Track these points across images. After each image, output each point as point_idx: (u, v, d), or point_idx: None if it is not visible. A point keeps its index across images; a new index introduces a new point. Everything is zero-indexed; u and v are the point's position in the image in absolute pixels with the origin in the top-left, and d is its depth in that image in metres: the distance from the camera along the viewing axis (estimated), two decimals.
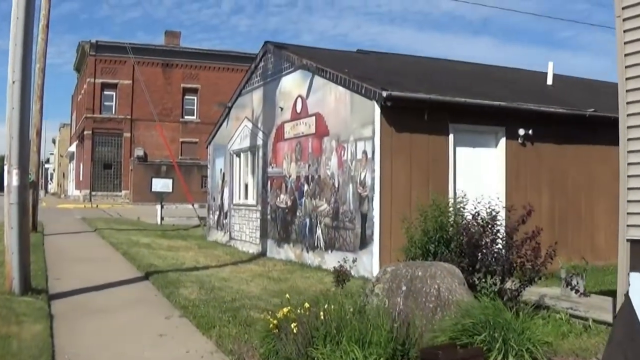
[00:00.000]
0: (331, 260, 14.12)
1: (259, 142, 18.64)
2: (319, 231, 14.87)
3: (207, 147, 24.90)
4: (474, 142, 13.95)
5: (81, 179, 61.65)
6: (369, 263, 12.75)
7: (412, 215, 12.74)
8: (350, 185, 13.57)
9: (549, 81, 19.02)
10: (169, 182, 33.87)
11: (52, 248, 18.28)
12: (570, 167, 15.10)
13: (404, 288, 8.16)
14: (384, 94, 12.29)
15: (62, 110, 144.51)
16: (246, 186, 20.28)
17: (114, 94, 59.96)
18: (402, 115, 12.83)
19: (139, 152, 57.79)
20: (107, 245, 19.75)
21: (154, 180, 34.40)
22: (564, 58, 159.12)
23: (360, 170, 13.22)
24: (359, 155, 13.28)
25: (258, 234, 18.51)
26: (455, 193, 13.19)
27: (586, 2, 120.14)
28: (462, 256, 9.57)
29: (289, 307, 7.26)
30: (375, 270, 12.44)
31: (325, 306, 7.07)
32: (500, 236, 9.35)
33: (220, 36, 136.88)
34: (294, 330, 6.58)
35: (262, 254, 17.81)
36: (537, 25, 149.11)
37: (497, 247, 9.22)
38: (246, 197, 20.16)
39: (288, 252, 16.47)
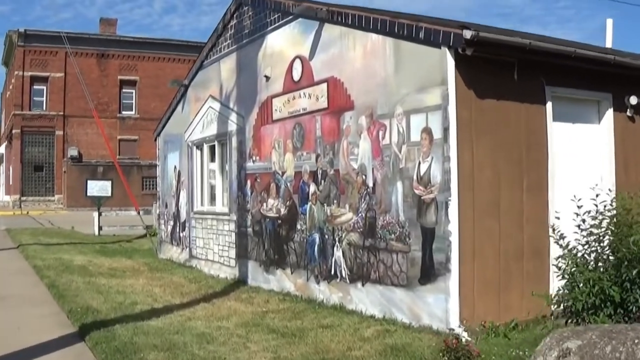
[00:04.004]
0: (362, 297, 9.40)
1: (232, 127, 13.74)
2: (337, 253, 10.04)
3: (155, 140, 19.69)
4: (574, 115, 9.36)
5: (11, 183, 55.86)
6: (441, 307, 7.90)
7: (501, 229, 8.26)
8: (399, 184, 8.70)
9: (608, 44, 14.64)
10: (108, 184, 28.97)
11: None
12: None
13: None
14: (468, 34, 7.42)
15: None
16: (212, 188, 15.35)
17: (45, 88, 54.27)
18: (483, 74, 8.13)
19: (72, 151, 52.24)
20: (29, 272, 14.77)
21: (89, 182, 29.22)
22: None
23: (418, 160, 8.40)
24: (415, 136, 8.40)
25: (233, 252, 13.64)
26: (553, 192, 8.71)
27: None
28: None
29: None
30: (454, 320, 7.75)
31: None
32: None
33: (153, 36, 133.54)
34: None
35: (242, 281, 12.95)
36: (458, 14, 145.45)
37: None
38: (213, 202, 15.23)
39: (283, 280, 11.65)
